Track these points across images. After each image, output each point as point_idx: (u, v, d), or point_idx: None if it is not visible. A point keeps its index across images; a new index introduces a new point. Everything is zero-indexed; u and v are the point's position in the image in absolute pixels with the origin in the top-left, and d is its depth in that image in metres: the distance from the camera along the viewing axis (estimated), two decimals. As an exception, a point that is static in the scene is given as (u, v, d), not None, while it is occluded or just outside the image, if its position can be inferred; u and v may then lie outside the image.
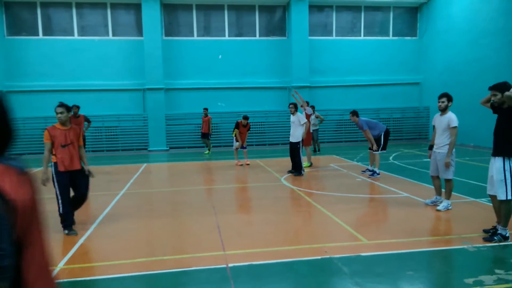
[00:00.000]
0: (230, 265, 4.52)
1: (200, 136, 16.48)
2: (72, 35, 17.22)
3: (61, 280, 4.20)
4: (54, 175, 5.78)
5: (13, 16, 16.86)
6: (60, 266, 4.58)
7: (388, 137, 9.99)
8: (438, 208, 6.62)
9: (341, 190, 8.39)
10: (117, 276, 4.38)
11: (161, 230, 5.98)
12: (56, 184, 5.75)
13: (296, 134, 10.21)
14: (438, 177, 6.78)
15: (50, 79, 16.93)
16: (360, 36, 19.04)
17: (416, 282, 4.05)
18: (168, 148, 17.56)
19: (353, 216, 6.51)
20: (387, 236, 5.40)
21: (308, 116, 11.11)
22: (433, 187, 7.14)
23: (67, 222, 5.82)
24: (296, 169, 10.22)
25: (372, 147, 9.80)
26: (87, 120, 12.04)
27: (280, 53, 18.43)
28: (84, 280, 4.28)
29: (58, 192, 5.74)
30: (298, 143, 10.17)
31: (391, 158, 13.05)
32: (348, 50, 18.79)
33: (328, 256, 4.70)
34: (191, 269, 4.46)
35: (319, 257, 4.70)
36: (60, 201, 5.76)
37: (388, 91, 19.08)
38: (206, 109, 15.76)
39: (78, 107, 11.56)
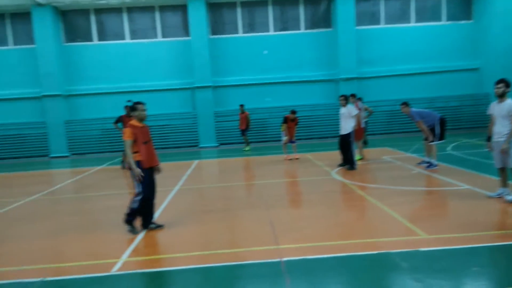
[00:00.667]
0: (284, 259, 4.51)
1: (240, 134, 16.36)
2: (124, 39, 17.95)
3: (124, 272, 4.40)
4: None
5: (70, 23, 17.87)
6: (123, 258, 4.80)
7: (445, 126, 9.51)
8: (509, 198, 6.20)
9: (396, 183, 8.11)
10: (175, 268, 4.52)
11: (214, 225, 6.09)
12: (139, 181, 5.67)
13: (347, 126, 9.97)
14: (505, 168, 6.36)
15: (104, 82, 17.80)
16: (411, 22, 18.26)
17: (482, 279, 3.82)
18: (218, 144, 17.88)
19: (409, 210, 6.27)
20: (448, 231, 5.14)
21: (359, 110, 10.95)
22: (499, 178, 6.69)
23: (133, 218, 5.79)
24: (349, 162, 9.98)
25: (427, 138, 9.38)
26: None
27: (326, 45, 18.13)
28: (145, 272, 4.45)
29: (140, 190, 5.67)
30: (349, 135, 9.93)
31: (449, 148, 12.44)
32: (398, 38, 18.10)
33: (384, 251, 4.56)
34: (246, 263, 4.50)
35: (375, 252, 4.57)
36: (139, 198, 5.68)
37: (443, 78, 18.18)
38: (242, 105, 15.75)
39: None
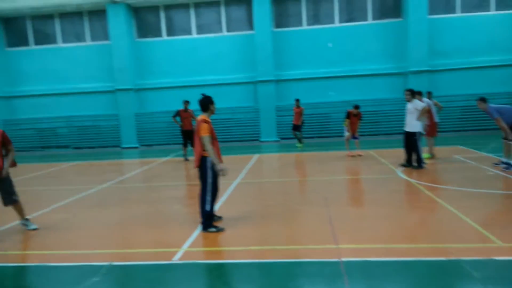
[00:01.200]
0: (344, 259, 4.37)
1: (292, 129, 15.68)
2: (191, 34, 18.48)
3: (185, 261, 4.54)
4: (209, 170, 5.48)
5: (141, 20, 18.76)
6: (184, 248, 4.95)
7: (528, 124, 8.64)
8: None
9: (469, 184, 7.53)
10: (232, 261, 4.57)
11: (273, 220, 6.07)
12: (211, 179, 5.51)
13: (413, 123, 9.38)
14: None
15: (171, 76, 18.50)
16: (490, 10, 16.80)
17: None
18: (279, 139, 17.86)
19: (483, 215, 5.80)
20: (528, 240, 4.67)
21: (428, 107, 10.30)
22: None
23: (211, 221, 5.64)
24: (412, 162, 9.39)
25: (507, 136, 8.59)
26: (193, 115, 12.83)
27: (395, 36, 17.27)
28: (204, 263, 4.55)
29: (210, 188, 5.52)
30: (414, 133, 9.35)
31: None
32: (476, 27, 16.74)
33: (454, 258, 4.25)
34: (303, 261, 4.43)
35: (443, 258, 4.27)
36: (209, 197, 5.54)
37: (527, 71, 16.55)
38: (297, 100, 15.20)
39: (188, 102, 12.69)
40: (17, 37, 19.34)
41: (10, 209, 6.18)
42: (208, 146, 5.34)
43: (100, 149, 18.73)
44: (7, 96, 19.37)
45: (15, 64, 19.31)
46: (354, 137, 11.96)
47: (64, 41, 19.12)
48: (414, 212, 6.30)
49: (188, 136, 12.72)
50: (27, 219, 6.21)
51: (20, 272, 4.59)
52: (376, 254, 4.48)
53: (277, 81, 17.83)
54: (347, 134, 11.87)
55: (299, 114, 15.06)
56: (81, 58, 18.89)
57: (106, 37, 18.71)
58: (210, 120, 5.58)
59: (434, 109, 13.04)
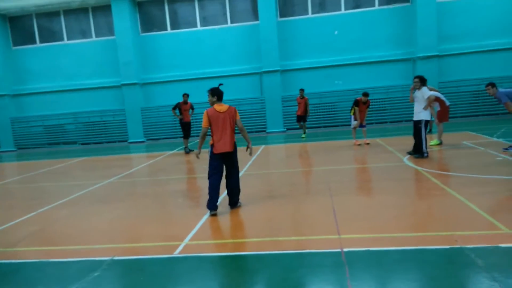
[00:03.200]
0: (345, 249, 4.30)
1: (296, 120, 15.47)
2: (195, 26, 18.38)
3: (185, 255, 4.51)
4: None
5: (145, 14, 18.70)
6: (186, 241, 4.93)
7: (539, 108, 8.42)
8: None
9: (477, 171, 7.37)
10: (235, 254, 4.53)
11: (277, 211, 6.02)
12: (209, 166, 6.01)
13: (419, 111, 9.14)
14: None
15: (177, 69, 18.47)
16: (501, -9, 16.35)
17: None
18: (285, 129, 17.75)
19: (491, 201, 5.66)
20: (536, 226, 4.54)
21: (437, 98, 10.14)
22: None
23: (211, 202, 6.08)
24: (417, 151, 9.23)
25: (517, 120, 8.37)
26: (192, 107, 13.27)
27: (403, 22, 16.95)
28: (205, 256, 4.52)
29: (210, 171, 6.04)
30: (420, 121, 9.13)
31: (542, 132, 11.07)
32: (485, 9, 16.32)
33: (458, 246, 4.14)
34: (305, 252, 4.37)
35: (448, 247, 4.17)
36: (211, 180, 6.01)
37: (539, 54, 16.11)
38: (302, 90, 14.84)
39: (187, 95, 13.06)
40: (23, 36, 19.47)
41: (14, 206, 6.23)
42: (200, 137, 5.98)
43: (107, 144, 18.85)
44: (15, 94, 19.58)
45: (22, 62, 19.47)
46: (361, 126, 11.79)
47: (70, 37, 19.18)
48: (420, 200, 6.18)
49: (187, 128, 13.05)
50: None
51: (21, 268, 4.61)
52: (380, 244, 4.40)
53: (283, 71, 17.66)
54: (355, 122, 11.69)
55: (303, 104, 14.75)
56: (86, 54, 18.95)
57: (111, 32, 18.72)
58: (215, 110, 5.83)
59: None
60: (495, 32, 16.34)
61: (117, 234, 5.56)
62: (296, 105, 15.22)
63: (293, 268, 4.03)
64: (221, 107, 5.85)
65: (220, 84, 6.15)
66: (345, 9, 17.43)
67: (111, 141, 19.00)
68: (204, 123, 5.82)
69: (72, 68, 19.09)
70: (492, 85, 8.67)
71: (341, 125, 16.84)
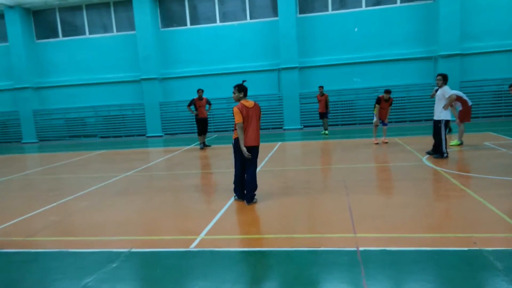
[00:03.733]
0: (361, 248, 4.28)
1: (318, 117, 15.73)
2: (215, 22, 18.43)
3: (201, 249, 4.56)
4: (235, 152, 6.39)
5: (166, 9, 18.85)
6: (201, 236, 4.98)
7: None
8: None
9: (498, 172, 7.21)
10: (249, 249, 4.56)
11: (292, 208, 6.02)
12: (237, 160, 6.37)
13: (439, 110, 8.96)
14: None
15: (196, 65, 18.58)
16: (527, -11, 15.90)
17: None
18: (302, 126, 17.69)
19: (511, 203, 5.53)
20: (559, 230, 4.43)
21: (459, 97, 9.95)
22: None
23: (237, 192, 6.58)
24: (436, 151, 9.06)
25: (541, 121, 8.14)
26: (208, 102, 13.14)
27: (425, 19, 16.64)
28: (221, 251, 4.56)
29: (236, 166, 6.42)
30: (440, 121, 8.93)
31: None
32: (510, 7, 15.86)
33: (477, 248, 4.08)
34: (320, 249, 4.36)
35: (466, 249, 4.10)
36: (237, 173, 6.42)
37: None
38: (321, 87, 14.95)
39: (202, 90, 12.85)
40: (46, 29, 19.87)
41: (34, 197, 6.38)
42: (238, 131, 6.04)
43: (126, 138, 19.13)
44: (38, 87, 20.02)
45: (45, 56, 19.89)
46: (383, 124, 11.62)
47: (91, 32, 19.49)
48: (439, 201, 6.09)
49: (204, 124, 12.97)
50: None
51: (40, 257, 4.73)
52: (396, 244, 4.36)
53: (301, 68, 17.58)
54: (375, 120, 11.49)
55: (324, 101, 14.83)
56: (107, 48, 19.23)
57: (131, 27, 18.94)
58: (245, 106, 6.02)
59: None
60: (520, 31, 15.91)
61: (135, 227, 5.65)
62: (317, 103, 15.29)
63: (308, 266, 4.03)
64: (248, 103, 6.09)
65: (244, 81, 6.37)
66: (366, 6, 17.22)
67: (130, 134, 19.28)
68: (239, 118, 5.95)
69: (93, 62, 19.41)
70: (516, 85, 8.46)
71: (360, 123, 16.67)
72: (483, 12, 16.12)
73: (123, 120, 19.33)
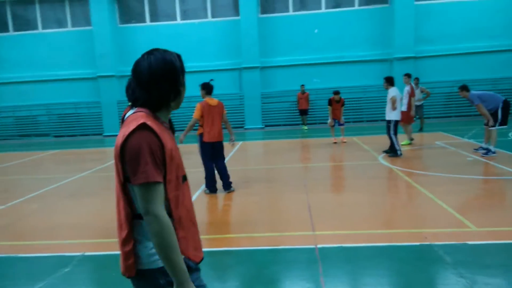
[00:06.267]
0: (319, 246, 4.36)
1: (299, 114, 16.81)
2: (175, 19, 18.14)
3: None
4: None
5: (124, 5, 18.34)
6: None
7: (509, 110, 8.70)
8: None
9: (448, 170, 7.58)
10: (209, 249, 4.52)
11: (253, 207, 6.04)
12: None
13: (387, 111, 9.42)
14: None
15: (156, 63, 18.13)
16: (476, -3, 16.81)
17: (537, 280, 3.44)
18: (263, 126, 17.78)
19: (460, 200, 5.83)
20: (501, 223, 4.71)
21: (412, 92, 10.41)
22: None
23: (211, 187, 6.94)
24: (391, 149, 9.42)
25: (488, 122, 8.64)
26: None
27: (381, 23, 17.18)
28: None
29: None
30: (389, 121, 9.35)
31: (511, 134, 11.46)
32: (461, 13, 16.71)
33: (428, 243, 4.26)
34: (280, 248, 4.40)
35: (418, 243, 4.28)
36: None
37: (509, 57, 16.63)
38: (303, 85, 15.76)
39: None
40: (-5, 23, 18.78)
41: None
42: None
43: (82, 137, 18.44)
44: (-14, 84, 18.89)
45: (-7, 51, 18.77)
46: (339, 124, 11.91)
47: (45, 27, 18.62)
48: (393, 198, 6.32)
49: None
50: None
51: (-11, 263, 4.47)
52: (353, 240, 4.48)
53: (262, 68, 17.66)
54: (329, 121, 11.83)
55: (305, 99, 16.23)
56: (62, 44, 18.43)
57: (88, 22, 18.26)
58: (207, 104, 6.48)
59: (421, 96, 13.15)
60: (470, 36, 16.78)
61: (89, 230, 5.45)
62: (295, 101, 16.82)
63: (267, 264, 4.05)
64: (212, 101, 6.52)
65: (211, 80, 6.86)
66: (326, 8, 17.55)
67: (86, 134, 18.59)
68: (196, 114, 6.44)
69: (46, 58, 18.52)
70: (465, 87, 8.90)
71: (320, 123, 16.98)
72: (435, 17, 16.87)
73: (78, 118, 18.60)
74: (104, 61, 17.86)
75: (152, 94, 1.73)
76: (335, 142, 11.85)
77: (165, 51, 1.83)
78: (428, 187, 6.45)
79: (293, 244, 4.48)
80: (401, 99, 9.74)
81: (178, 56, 1.88)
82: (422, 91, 13.32)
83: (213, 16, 18.02)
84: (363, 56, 17.38)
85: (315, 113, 17.37)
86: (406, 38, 16.70)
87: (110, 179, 8.88)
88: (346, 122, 12.65)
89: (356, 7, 17.40)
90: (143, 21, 18.27)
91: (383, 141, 10.60)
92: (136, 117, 1.68)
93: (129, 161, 1.62)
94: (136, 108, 1.75)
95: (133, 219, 1.74)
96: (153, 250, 1.69)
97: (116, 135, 10.29)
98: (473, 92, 8.85)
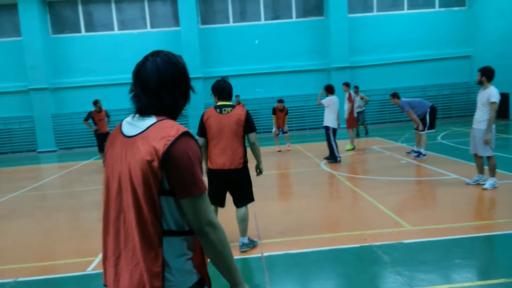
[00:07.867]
0: (265, 254, 4.41)
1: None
2: (113, 30, 17.62)
3: (101, 271, 4.28)
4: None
5: (57, 15, 17.51)
6: (100, 257, 4.67)
7: (435, 115, 9.40)
8: (484, 186, 6.32)
9: (384, 173, 8.01)
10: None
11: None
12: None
13: (325, 118, 9.83)
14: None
15: (92, 74, 17.49)
16: (404, 9, 18.05)
17: (463, 271, 3.73)
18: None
19: (395, 201, 6.18)
20: (432, 222, 5.06)
21: (349, 98, 10.93)
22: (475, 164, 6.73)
23: None
24: (331, 155, 9.77)
25: (418, 127, 9.27)
26: (107, 115, 11.78)
27: (318, 34, 17.89)
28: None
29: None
30: (327, 127, 9.72)
31: (439, 137, 12.35)
32: (391, 25, 17.87)
33: (367, 244, 4.47)
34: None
35: (358, 245, 4.48)
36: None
37: (436, 66, 18.01)
38: (238, 96, 15.28)
39: (98, 101, 11.52)
40: None
41: None
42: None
43: (13, 154, 17.21)
44: None
45: None
46: (283, 132, 12.15)
47: (-33, 37, 17.26)
48: (335, 202, 6.55)
49: (105, 140, 11.76)
50: None
51: None
52: (298, 246, 4.58)
53: (205, 78, 17.61)
54: (274, 129, 12.06)
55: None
56: (-12, 55, 17.18)
57: (17, 33, 17.19)
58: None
59: (361, 103, 13.85)
60: (400, 46, 17.95)
61: (23, 253, 5.10)
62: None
63: (212, 276, 4.02)
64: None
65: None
66: (265, 19, 17.95)
67: (18, 150, 17.37)
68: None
69: (-30, 71, 17.16)
70: (396, 95, 9.51)
71: (264, 132, 17.23)
72: (368, 29, 17.87)
73: (8, 134, 17.37)
74: (36, 73, 16.86)
75: (164, 100, 1.63)
76: (279, 150, 12.08)
77: (169, 52, 1.73)
78: (366, 190, 6.77)
79: (239, 254, 4.49)
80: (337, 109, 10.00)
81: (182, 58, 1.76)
82: (362, 98, 14.02)
83: (152, 27, 17.74)
84: (302, 66, 17.95)
85: (259, 122, 17.61)
86: (342, 48, 17.51)
87: (46, 198, 8.38)
88: (289, 130, 12.93)
89: (294, 19, 17.98)
90: (78, 31, 17.56)
91: (325, 148, 10.97)
92: (171, 124, 1.56)
93: (181, 171, 1.48)
94: (155, 117, 1.61)
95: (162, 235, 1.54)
96: (186, 268, 1.61)
97: (52, 151, 9.69)
98: (403, 99, 9.47)
